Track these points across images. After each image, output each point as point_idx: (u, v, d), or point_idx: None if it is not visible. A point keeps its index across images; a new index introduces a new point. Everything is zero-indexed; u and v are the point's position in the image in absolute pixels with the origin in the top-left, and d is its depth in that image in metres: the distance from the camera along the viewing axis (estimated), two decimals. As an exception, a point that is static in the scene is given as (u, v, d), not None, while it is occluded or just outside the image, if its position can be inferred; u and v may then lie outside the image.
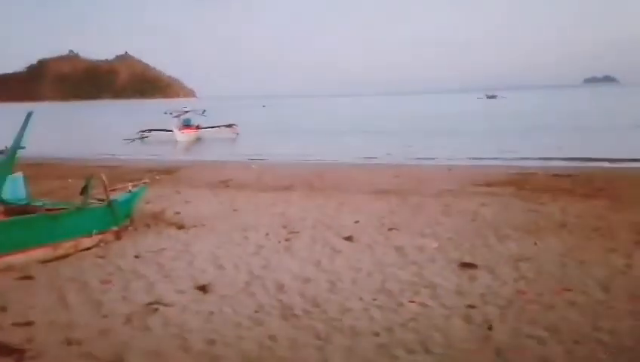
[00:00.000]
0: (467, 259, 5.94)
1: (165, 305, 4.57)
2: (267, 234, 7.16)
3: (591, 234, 7.16)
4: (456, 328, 4.11)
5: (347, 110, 73.67)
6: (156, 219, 8.20)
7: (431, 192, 10.80)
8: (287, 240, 6.95)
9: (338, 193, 10.71)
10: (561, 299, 4.69)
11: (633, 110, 45.21)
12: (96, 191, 7.30)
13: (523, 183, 12.20)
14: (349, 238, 6.96)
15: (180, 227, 7.70)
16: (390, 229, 7.45)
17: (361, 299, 4.75)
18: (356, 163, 17.68)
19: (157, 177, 14.12)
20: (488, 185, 12.10)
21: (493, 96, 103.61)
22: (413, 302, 4.65)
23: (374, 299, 4.72)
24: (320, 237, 7.03)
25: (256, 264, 5.83)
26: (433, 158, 18.62)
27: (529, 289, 5.00)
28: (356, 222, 7.93)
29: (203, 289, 4.96)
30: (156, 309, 4.46)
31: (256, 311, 4.44)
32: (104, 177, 7.05)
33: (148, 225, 7.81)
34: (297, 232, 7.32)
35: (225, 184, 12.62)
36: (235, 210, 9.04)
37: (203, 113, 34.69)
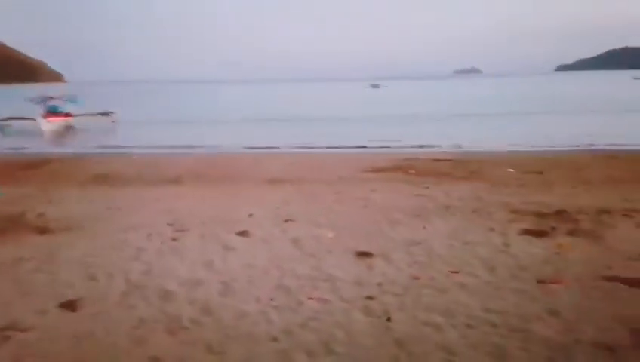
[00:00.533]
0: (363, 248, 5.91)
1: (21, 330, 3.78)
2: (150, 235, 6.46)
3: (471, 215, 7.61)
4: (357, 322, 3.98)
5: (240, 97, 71.97)
6: (14, 224, 7.02)
7: (324, 180, 10.78)
8: (173, 239, 6.34)
9: (231, 184, 10.20)
10: (452, 282, 4.83)
11: (496, 99, 50.58)
12: None
13: (408, 168, 12.78)
14: (243, 233, 6.55)
15: (43, 231, 6.65)
16: (286, 221, 7.20)
17: (258, 300, 4.42)
18: (248, 152, 17.14)
19: (18, 173, 12.31)
20: (377, 171, 12.46)
21: (376, 86, 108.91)
22: (312, 299, 4.43)
23: (272, 299, 4.42)
24: (211, 234, 6.53)
25: (136, 270, 5.17)
26: (324, 146, 18.80)
27: (422, 273, 5.08)
28: (250, 215, 7.54)
29: (70, 306, 4.23)
30: (7, 337, 3.66)
31: (135, 328, 3.86)
32: None
33: (4, 231, 6.64)
34: (185, 230, 6.72)
35: (101, 179, 11.34)
36: (111, 209, 8.09)
37: (74, 99, 31.18)
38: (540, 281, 4.79)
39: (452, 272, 5.09)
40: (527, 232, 6.58)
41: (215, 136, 21.80)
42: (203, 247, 6.00)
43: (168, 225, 6.98)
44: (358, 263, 5.42)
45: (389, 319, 4.01)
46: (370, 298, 4.45)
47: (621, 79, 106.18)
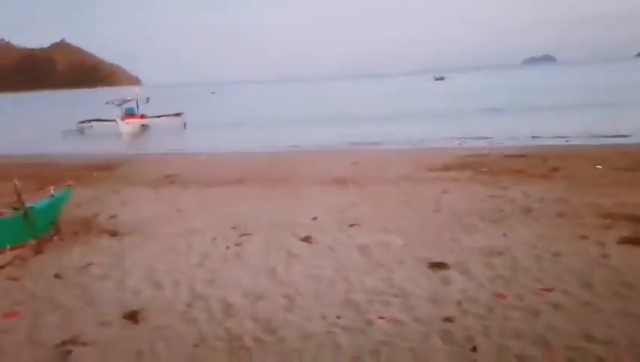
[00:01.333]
0: (437, 258, 5.41)
1: (82, 343, 3.71)
2: (214, 239, 6.36)
3: (557, 220, 6.83)
4: (436, 351, 3.52)
5: (300, 96, 72.60)
6: (87, 226, 7.22)
7: (390, 179, 10.29)
8: (237, 244, 6.18)
9: (294, 185, 9.99)
10: (544, 302, 4.23)
11: (573, 88, 47.04)
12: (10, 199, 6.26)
13: (479, 166, 11.96)
14: (307, 239, 6.27)
15: (114, 234, 6.76)
16: (351, 225, 6.83)
17: (323, 317, 4.09)
18: (312, 150, 16.89)
19: (94, 175, 12.90)
20: (446, 169, 11.77)
21: (441, 78, 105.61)
22: (382, 318, 4.03)
23: (339, 317, 4.07)
24: (275, 239, 6.30)
25: (201, 278, 5.03)
26: (390, 143, 18.23)
27: (508, 290, 4.51)
28: (314, 218, 7.25)
29: (133, 317, 4.13)
30: (69, 352, 3.60)
31: (196, 346, 3.67)
32: (17, 181, 6.01)
33: (76, 234, 6.83)
34: (249, 234, 6.55)
35: (170, 180, 11.59)
36: (179, 211, 8.15)
37: (147, 101, 32.70)
38: (650, 303, 4.07)
39: (543, 290, 4.47)
40: (627, 241, 5.75)
41: (278, 136, 21.86)
42: (267, 254, 5.78)
43: (232, 228, 6.86)
44: (432, 276, 4.94)
45: (474, 349, 3.51)
46: (449, 319, 3.97)
47: None
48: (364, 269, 5.17)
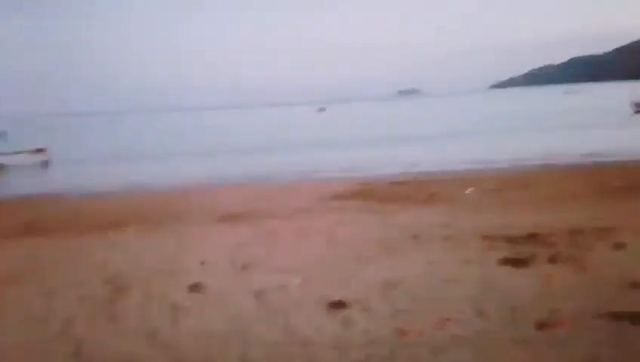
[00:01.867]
0: (336, 296, 5.17)
1: None
2: (82, 299, 5.42)
3: (444, 244, 7.09)
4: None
5: (178, 126, 69.98)
6: None
7: (283, 213, 10.03)
8: (111, 302, 5.33)
9: (178, 225, 9.21)
10: (445, 334, 4.18)
11: (436, 120, 52.04)
12: None
13: (368, 194, 12.30)
14: (195, 287, 5.64)
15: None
16: (245, 267, 6.36)
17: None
18: (199, 185, 16.01)
19: None
20: (336, 199, 11.88)
21: (323, 109, 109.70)
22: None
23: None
24: (157, 292, 5.57)
25: (62, 351, 4.15)
26: (280, 174, 18.10)
27: (408, 326, 4.41)
28: (202, 262, 6.63)
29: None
30: None
31: None
32: None
33: None
34: (126, 288, 5.72)
35: (29, 228, 9.98)
36: (37, 266, 6.91)
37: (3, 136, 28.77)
38: (538, 326, 4.24)
39: (441, 321, 4.45)
40: (507, 262, 6.11)
41: (157, 172, 20.38)
42: (147, 311, 5.04)
43: (106, 283, 5.94)
44: (332, 318, 4.67)
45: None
46: (355, 369, 3.71)
47: (552, 94, 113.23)
48: (262, 318, 4.73)
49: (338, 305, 4.97)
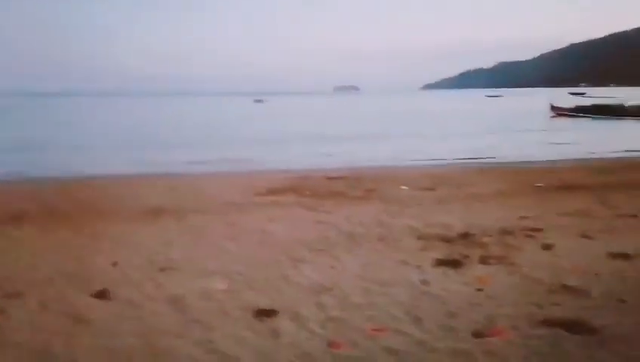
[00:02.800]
0: (265, 303, 4.73)
1: None
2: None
3: (379, 245, 6.86)
4: None
5: (107, 113, 65.81)
6: None
7: (214, 209, 9.38)
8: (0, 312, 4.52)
9: (90, 220, 8.28)
10: (379, 347, 3.88)
11: (371, 117, 52.88)
12: None
13: (303, 189, 11.91)
14: (101, 294, 4.94)
15: None
16: (163, 270, 5.72)
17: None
18: (117, 176, 14.76)
19: None
20: (271, 193, 11.39)
21: (260, 101, 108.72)
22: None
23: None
24: (56, 299, 4.82)
25: None
26: (213, 165, 17.24)
27: (341, 336, 4.06)
28: (114, 264, 5.90)
29: None
30: None
31: None
32: None
33: None
34: (18, 295, 4.90)
35: None
36: None
37: None
38: (475, 334, 4.05)
39: (375, 331, 4.15)
40: (442, 263, 5.98)
41: (70, 161, 18.46)
42: (41, 322, 4.31)
43: (-7, 289, 5.07)
44: (260, 328, 4.22)
45: None
46: (281, 391, 3.29)
47: (476, 96, 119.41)
48: (178, 330, 4.17)
49: (266, 313, 4.52)
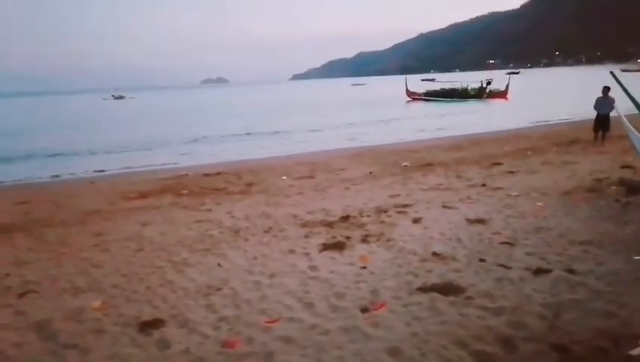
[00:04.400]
0: (148, 314, 4.41)
1: None
2: None
3: (266, 237, 6.85)
4: None
5: None
6: None
7: (77, 219, 8.46)
8: None
9: None
10: (274, 338, 3.88)
11: (243, 109, 52.37)
12: None
13: (179, 188, 11.37)
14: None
15: None
16: (22, 294, 5.01)
17: None
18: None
19: None
20: (143, 196, 10.66)
21: (120, 97, 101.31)
22: None
23: None
24: None
25: None
26: (68, 174, 15.50)
27: (235, 335, 3.97)
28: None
29: None
30: None
31: None
32: None
33: None
34: None
35: None
36: None
37: None
38: (363, 310, 4.27)
39: (269, 323, 4.14)
40: (327, 247, 6.18)
41: None
42: None
43: None
44: (146, 342, 3.93)
45: None
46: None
47: (342, 85, 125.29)
48: (48, 359, 3.69)
49: (151, 324, 4.22)
